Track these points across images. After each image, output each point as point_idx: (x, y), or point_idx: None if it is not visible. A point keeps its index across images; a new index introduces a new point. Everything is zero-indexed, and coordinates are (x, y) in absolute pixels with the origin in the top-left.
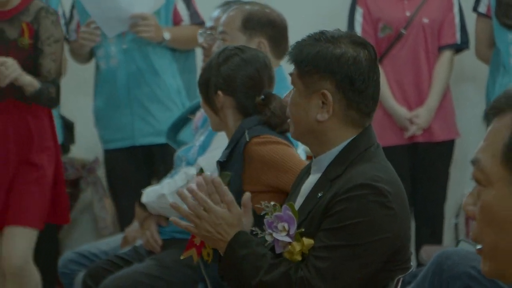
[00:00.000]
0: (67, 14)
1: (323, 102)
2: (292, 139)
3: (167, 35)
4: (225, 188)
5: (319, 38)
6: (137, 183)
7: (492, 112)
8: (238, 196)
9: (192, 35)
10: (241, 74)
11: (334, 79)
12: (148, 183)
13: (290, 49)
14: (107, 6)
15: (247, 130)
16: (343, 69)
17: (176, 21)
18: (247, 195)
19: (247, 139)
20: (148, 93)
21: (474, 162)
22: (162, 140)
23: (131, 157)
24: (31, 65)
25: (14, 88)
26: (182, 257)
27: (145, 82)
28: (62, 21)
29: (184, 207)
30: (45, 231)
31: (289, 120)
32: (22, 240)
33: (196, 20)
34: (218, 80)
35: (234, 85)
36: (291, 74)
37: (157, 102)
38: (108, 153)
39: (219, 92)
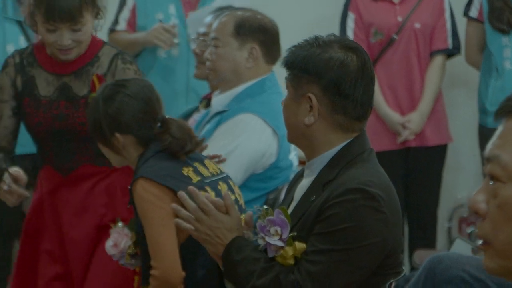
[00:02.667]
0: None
1: (310, 106)
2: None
3: None
4: (226, 192)
5: (312, 43)
6: None
7: (508, 110)
8: (142, 237)
9: None
10: (131, 111)
11: (320, 83)
12: None
13: (284, 54)
14: None
15: (140, 167)
16: (329, 73)
17: None
18: (249, 214)
19: (137, 176)
20: (206, 88)
21: (492, 158)
22: None
23: None
24: None
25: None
26: None
27: None
28: None
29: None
30: None
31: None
32: None
33: None
34: (110, 123)
35: (128, 123)
36: (285, 79)
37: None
38: None
39: (116, 134)
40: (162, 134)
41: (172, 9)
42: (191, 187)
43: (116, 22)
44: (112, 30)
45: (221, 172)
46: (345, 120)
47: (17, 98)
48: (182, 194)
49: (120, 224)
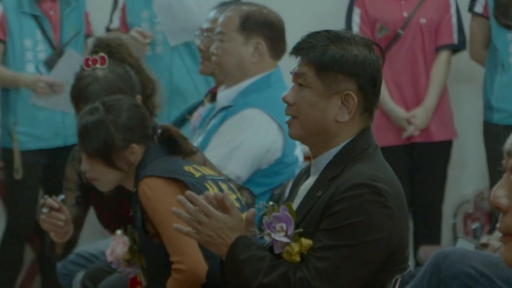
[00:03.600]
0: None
1: (342, 103)
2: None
3: None
4: (225, 193)
5: (334, 38)
6: None
7: None
8: (143, 240)
9: None
10: (140, 118)
11: (359, 81)
12: None
13: (303, 48)
14: (179, 17)
15: (145, 168)
16: (367, 72)
17: None
18: (252, 211)
19: (140, 178)
20: (191, 87)
21: None
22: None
23: None
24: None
25: None
26: None
27: (189, 76)
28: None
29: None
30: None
31: (288, 120)
32: None
33: None
34: (126, 134)
35: (142, 131)
36: (300, 73)
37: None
38: None
39: (133, 145)
40: (177, 138)
41: None
42: (188, 192)
43: (110, 20)
44: (107, 29)
45: (220, 175)
46: (369, 117)
47: (83, 189)
48: (181, 198)
49: (119, 232)
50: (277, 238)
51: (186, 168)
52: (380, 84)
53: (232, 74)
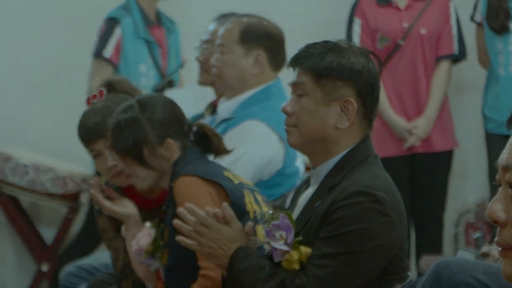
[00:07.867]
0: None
1: (341, 110)
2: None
3: None
4: (224, 205)
5: (332, 47)
6: None
7: None
8: (171, 236)
9: None
10: (175, 114)
11: (357, 88)
12: None
13: (300, 57)
14: None
15: (181, 170)
16: (365, 78)
17: None
18: (249, 225)
19: (178, 175)
20: None
21: (509, 167)
22: None
23: None
24: None
25: None
26: None
27: None
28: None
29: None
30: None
31: (287, 128)
32: None
33: None
34: (161, 129)
35: (177, 126)
36: (299, 83)
37: None
38: None
39: (169, 140)
40: (211, 136)
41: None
42: (187, 204)
43: (103, 46)
44: (98, 54)
45: (254, 187)
46: (368, 125)
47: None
48: (181, 210)
49: (148, 224)
50: (276, 247)
51: (225, 173)
52: (378, 92)
53: (232, 86)
